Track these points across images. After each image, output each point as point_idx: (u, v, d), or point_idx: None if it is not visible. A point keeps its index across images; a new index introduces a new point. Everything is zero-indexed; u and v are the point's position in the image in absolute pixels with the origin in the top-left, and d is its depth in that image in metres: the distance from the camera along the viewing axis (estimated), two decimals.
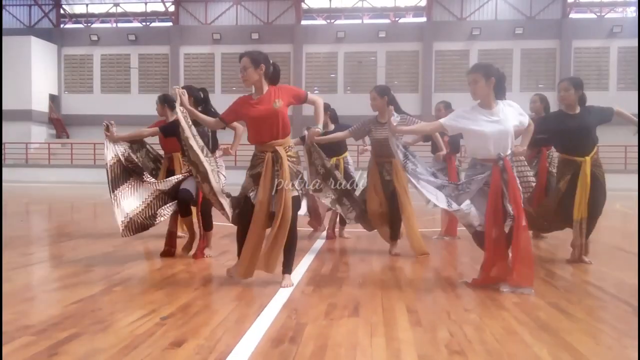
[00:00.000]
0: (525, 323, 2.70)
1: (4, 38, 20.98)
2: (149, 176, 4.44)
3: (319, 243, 5.41)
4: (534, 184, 4.78)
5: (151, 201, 4.35)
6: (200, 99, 4.54)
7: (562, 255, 4.80)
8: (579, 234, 4.33)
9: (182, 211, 4.51)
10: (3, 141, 22.33)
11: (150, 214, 4.34)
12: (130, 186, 4.30)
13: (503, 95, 3.60)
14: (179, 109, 3.79)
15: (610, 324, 2.70)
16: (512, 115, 3.53)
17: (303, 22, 25.72)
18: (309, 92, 3.61)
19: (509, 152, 3.51)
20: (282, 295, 3.21)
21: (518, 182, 3.55)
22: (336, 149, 5.57)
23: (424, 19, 25.29)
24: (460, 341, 2.41)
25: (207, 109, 4.52)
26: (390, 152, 4.66)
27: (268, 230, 3.49)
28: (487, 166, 3.51)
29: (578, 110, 4.40)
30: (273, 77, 3.57)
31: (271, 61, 3.57)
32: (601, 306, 3.13)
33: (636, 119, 4.58)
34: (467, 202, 3.51)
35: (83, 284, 3.49)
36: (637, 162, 18.44)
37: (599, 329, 2.63)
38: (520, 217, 3.41)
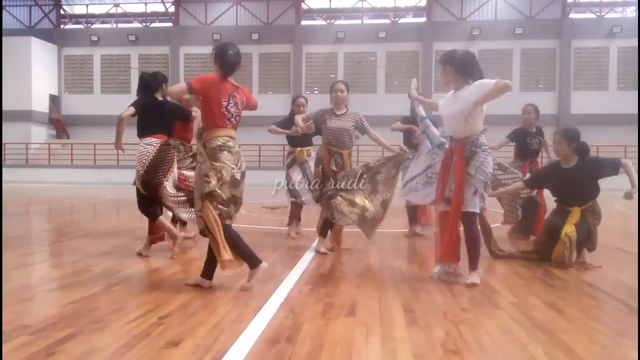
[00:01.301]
0: (521, 322, 2.71)
1: (4, 38, 21.00)
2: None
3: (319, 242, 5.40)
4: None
5: None
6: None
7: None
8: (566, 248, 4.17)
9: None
10: (3, 142, 22.35)
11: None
12: None
13: (470, 76, 3.58)
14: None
15: (605, 323, 2.71)
16: (469, 95, 3.47)
17: (303, 23, 25.74)
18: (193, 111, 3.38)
19: (465, 135, 3.54)
20: (279, 295, 3.22)
21: (474, 170, 3.48)
22: (301, 139, 5.66)
23: (423, 19, 25.31)
24: (455, 340, 2.42)
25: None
26: (342, 144, 4.76)
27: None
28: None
29: (574, 162, 4.29)
30: (220, 68, 3.33)
31: (229, 51, 3.34)
32: (597, 305, 3.14)
33: (636, 182, 4.18)
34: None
35: (81, 284, 3.50)
36: (636, 162, 18.48)
37: (595, 328, 2.64)
38: (457, 203, 3.50)
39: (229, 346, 2.31)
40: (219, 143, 3.25)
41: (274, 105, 19.57)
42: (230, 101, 3.31)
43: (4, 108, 21.24)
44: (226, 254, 3.21)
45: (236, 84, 3.44)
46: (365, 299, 3.18)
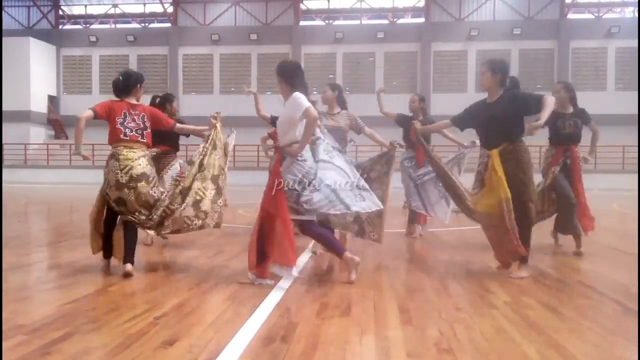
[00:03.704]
0: (515, 322, 2.73)
1: (3, 39, 21.00)
2: None
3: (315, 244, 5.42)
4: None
5: None
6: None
7: (555, 255, 4.85)
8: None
9: None
10: (2, 142, 22.35)
11: None
12: None
13: (293, 86, 3.66)
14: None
15: (598, 323, 2.73)
16: (288, 109, 3.67)
17: (301, 23, 25.76)
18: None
19: (284, 143, 3.64)
20: (275, 295, 3.24)
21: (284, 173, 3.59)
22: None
23: (422, 20, 25.34)
24: (449, 340, 2.43)
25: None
26: (337, 143, 4.78)
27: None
28: None
29: (498, 96, 3.88)
30: (113, 92, 4.09)
31: (117, 77, 4.09)
32: (591, 305, 3.16)
33: (546, 117, 3.68)
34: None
35: (78, 284, 3.51)
36: (635, 162, 18.52)
37: (588, 327, 2.66)
38: (270, 208, 3.55)
39: (224, 345, 2.33)
40: (110, 153, 3.86)
41: (272, 105, 19.54)
42: (127, 118, 3.88)
43: (3, 109, 21.24)
44: (93, 242, 4.03)
45: (134, 102, 4.01)
46: (361, 299, 3.19)
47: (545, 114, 3.64)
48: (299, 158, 3.58)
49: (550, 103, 3.67)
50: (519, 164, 3.76)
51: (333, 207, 3.61)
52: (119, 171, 3.74)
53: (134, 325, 2.60)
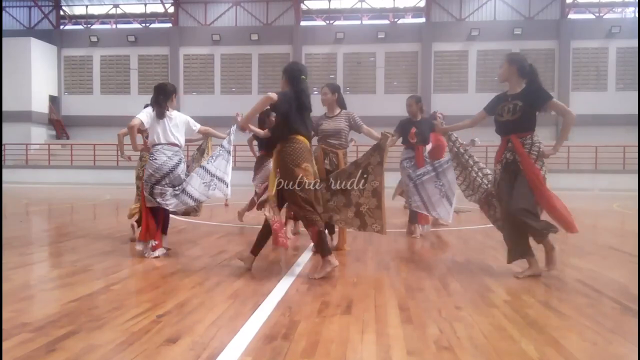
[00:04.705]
0: (514, 320, 2.75)
1: (4, 39, 21.04)
2: None
3: None
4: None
5: None
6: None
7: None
8: None
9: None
10: (3, 142, 22.39)
11: None
12: None
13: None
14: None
15: (597, 321, 2.75)
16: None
17: (302, 23, 25.79)
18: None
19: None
20: (276, 294, 3.27)
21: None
22: None
23: (422, 20, 25.36)
24: (449, 337, 2.46)
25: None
26: (336, 144, 4.92)
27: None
28: None
29: None
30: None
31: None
32: (590, 304, 3.17)
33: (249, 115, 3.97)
34: None
35: (81, 283, 3.54)
36: (636, 162, 18.55)
37: (586, 325, 2.68)
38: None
39: (226, 343, 2.35)
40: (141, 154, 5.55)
41: None
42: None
43: (4, 109, 21.29)
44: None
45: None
46: (361, 297, 3.22)
47: (250, 114, 3.96)
48: (151, 157, 4.46)
49: (262, 100, 3.75)
50: (281, 165, 3.91)
51: (182, 203, 4.50)
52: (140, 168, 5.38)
53: (137, 324, 2.63)
